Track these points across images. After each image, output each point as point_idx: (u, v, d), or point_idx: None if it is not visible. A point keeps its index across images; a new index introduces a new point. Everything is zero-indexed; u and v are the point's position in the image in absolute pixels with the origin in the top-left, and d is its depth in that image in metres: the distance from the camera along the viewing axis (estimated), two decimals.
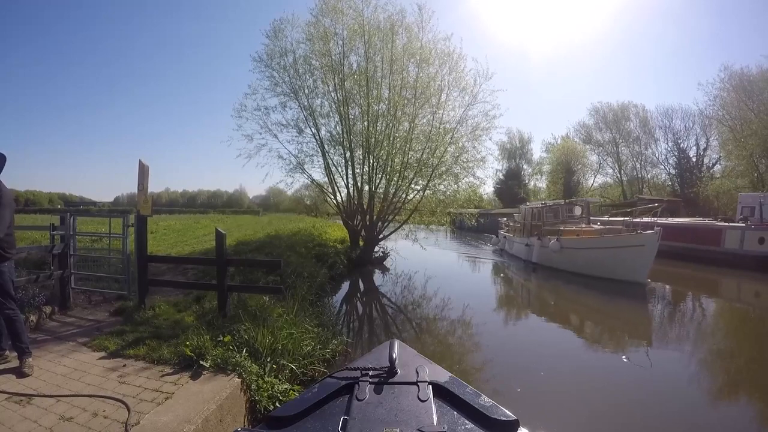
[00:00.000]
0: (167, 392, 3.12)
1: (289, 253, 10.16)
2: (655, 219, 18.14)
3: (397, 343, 2.09)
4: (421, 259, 15.32)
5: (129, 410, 2.79)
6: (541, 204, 16.83)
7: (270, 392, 3.59)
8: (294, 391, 3.77)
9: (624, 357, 5.87)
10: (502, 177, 47.40)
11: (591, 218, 16.30)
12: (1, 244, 3.29)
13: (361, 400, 1.64)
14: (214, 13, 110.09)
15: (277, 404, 3.50)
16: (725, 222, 16.65)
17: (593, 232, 12.99)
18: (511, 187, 44.87)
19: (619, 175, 40.59)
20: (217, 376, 3.45)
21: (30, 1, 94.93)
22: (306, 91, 14.91)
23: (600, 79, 70.79)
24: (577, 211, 15.88)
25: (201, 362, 3.59)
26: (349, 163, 15.13)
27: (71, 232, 5.66)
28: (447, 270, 14.81)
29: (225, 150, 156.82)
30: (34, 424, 2.64)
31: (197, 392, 3.15)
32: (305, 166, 15.69)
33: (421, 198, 15.24)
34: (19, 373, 3.32)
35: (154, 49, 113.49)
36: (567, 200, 18.33)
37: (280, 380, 3.84)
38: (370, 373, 1.81)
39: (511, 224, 19.94)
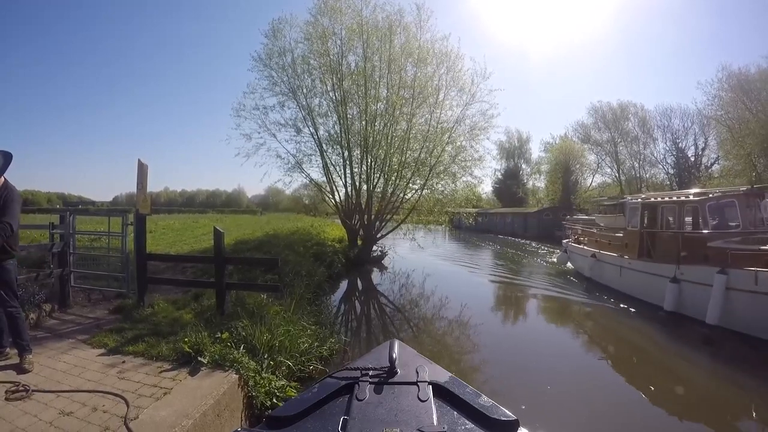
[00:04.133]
0: (166, 388, 3.17)
1: (287, 252, 10.20)
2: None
3: (397, 343, 2.09)
4: (423, 271, 12.82)
5: (128, 405, 2.84)
6: (692, 195, 8.48)
7: (267, 388, 3.64)
8: (291, 387, 3.83)
9: None
10: (500, 176, 47.43)
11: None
12: (9, 241, 3.31)
13: (361, 400, 1.64)
14: (214, 13, 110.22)
15: (274, 400, 3.57)
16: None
17: None
18: (509, 187, 44.94)
19: (617, 174, 40.56)
20: (215, 373, 3.50)
21: (30, 1, 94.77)
22: (304, 90, 15.01)
23: (600, 79, 70.95)
24: None
25: (199, 359, 3.65)
26: (347, 162, 15.20)
27: (71, 231, 5.70)
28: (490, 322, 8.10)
29: (224, 150, 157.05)
30: (34, 418, 2.68)
31: (195, 388, 3.20)
32: (303, 166, 15.83)
33: (419, 197, 15.31)
34: (20, 369, 3.36)
35: (154, 49, 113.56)
36: (753, 186, 8.20)
37: (277, 377, 3.91)
38: (370, 373, 1.81)
39: (594, 231, 11.70)
